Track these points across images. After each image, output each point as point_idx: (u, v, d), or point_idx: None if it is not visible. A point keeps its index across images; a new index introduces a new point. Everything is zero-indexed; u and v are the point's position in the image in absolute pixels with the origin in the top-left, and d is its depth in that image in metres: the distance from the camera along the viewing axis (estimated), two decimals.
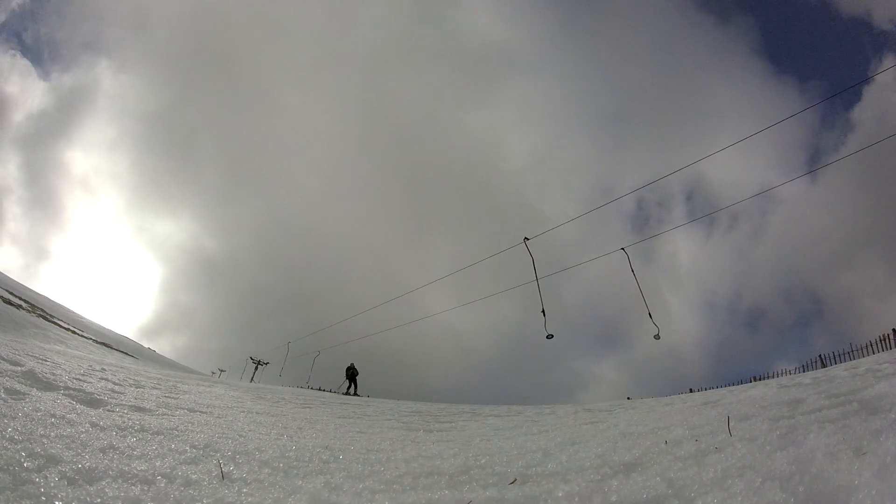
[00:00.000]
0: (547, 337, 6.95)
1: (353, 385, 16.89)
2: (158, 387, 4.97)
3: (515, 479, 1.77)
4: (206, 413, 3.57)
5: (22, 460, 1.51)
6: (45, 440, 1.79)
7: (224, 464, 1.92)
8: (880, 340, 13.22)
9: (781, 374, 14.62)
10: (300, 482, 1.80)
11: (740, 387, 4.65)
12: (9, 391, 2.54)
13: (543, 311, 7.03)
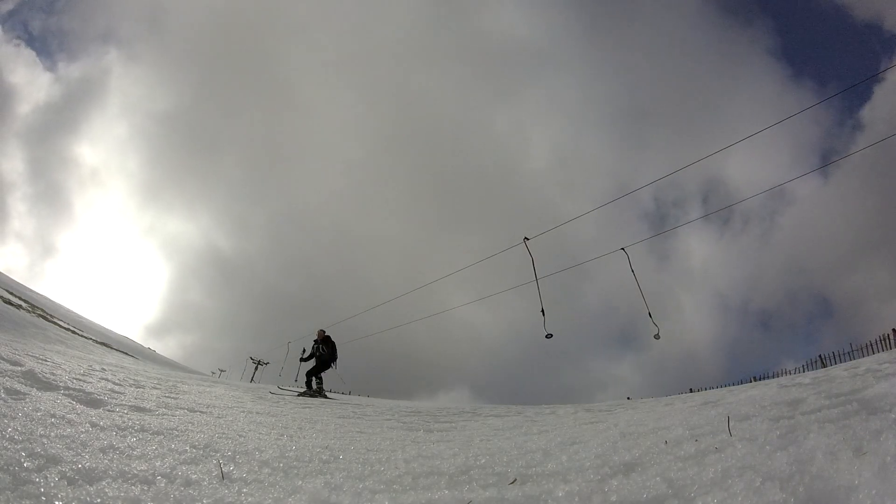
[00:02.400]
0: (546, 336, 6.96)
1: (317, 378, 9.52)
2: (158, 387, 4.97)
3: (515, 479, 1.76)
4: (205, 413, 3.57)
5: (22, 460, 1.51)
6: (45, 440, 1.79)
7: (224, 464, 1.92)
8: (880, 340, 13.23)
9: (782, 374, 14.62)
10: (300, 482, 1.80)
11: (740, 387, 4.66)
12: (9, 391, 2.54)
13: (543, 311, 7.04)
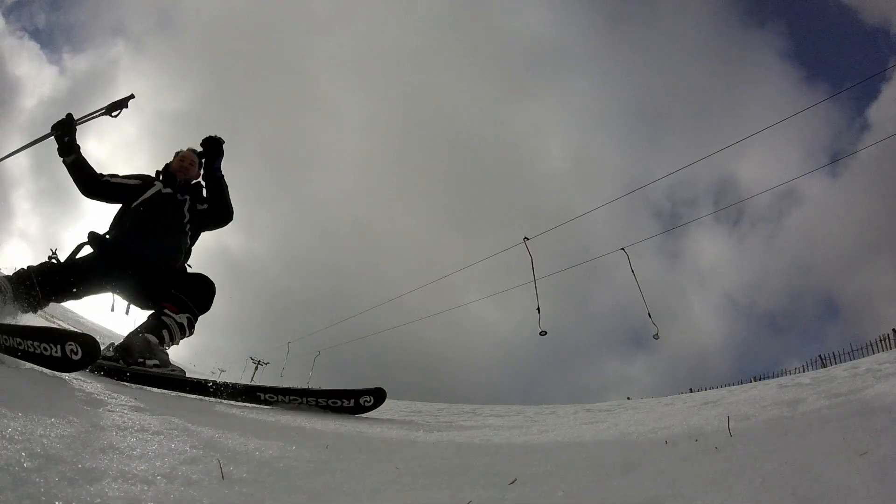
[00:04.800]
0: (540, 334, 7.06)
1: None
2: None
3: (515, 479, 1.76)
4: (206, 413, 3.57)
5: (22, 460, 1.51)
6: (45, 440, 1.79)
7: (224, 464, 1.92)
8: (880, 340, 13.26)
9: (783, 374, 14.63)
10: (300, 482, 1.80)
11: (740, 387, 4.66)
12: (9, 391, 2.54)
13: (539, 309, 7.10)
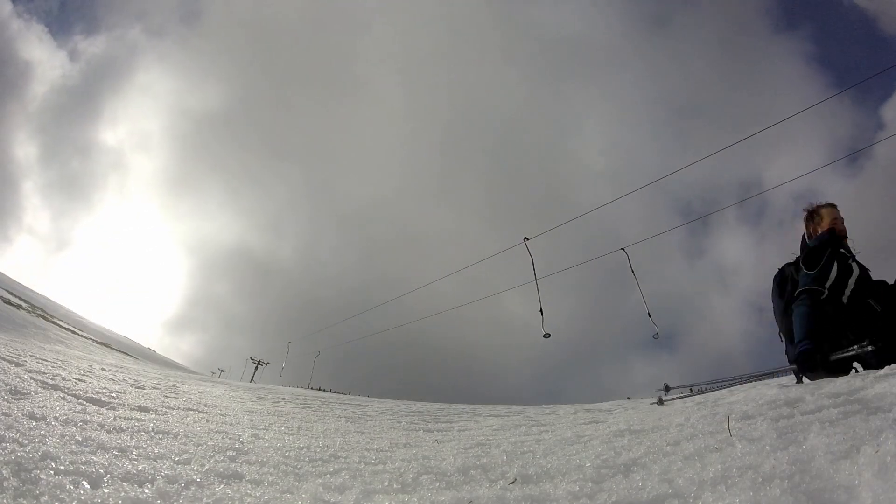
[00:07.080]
0: (544, 336, 6.98)
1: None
2: (158, 387, 4.98)
3: (515, 479, 1.76)
4: (205, 413, 3.58)
5: (22, 460, 1.51)
6: (45, 440, 1.79)
7: (225, 463, 1.92)
8: None
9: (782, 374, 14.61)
10: (300, 482, 1.80)
11: (740, 386, 4.65)
12: (9, 391, 2.54)
13: (542, 311, 7.05)
